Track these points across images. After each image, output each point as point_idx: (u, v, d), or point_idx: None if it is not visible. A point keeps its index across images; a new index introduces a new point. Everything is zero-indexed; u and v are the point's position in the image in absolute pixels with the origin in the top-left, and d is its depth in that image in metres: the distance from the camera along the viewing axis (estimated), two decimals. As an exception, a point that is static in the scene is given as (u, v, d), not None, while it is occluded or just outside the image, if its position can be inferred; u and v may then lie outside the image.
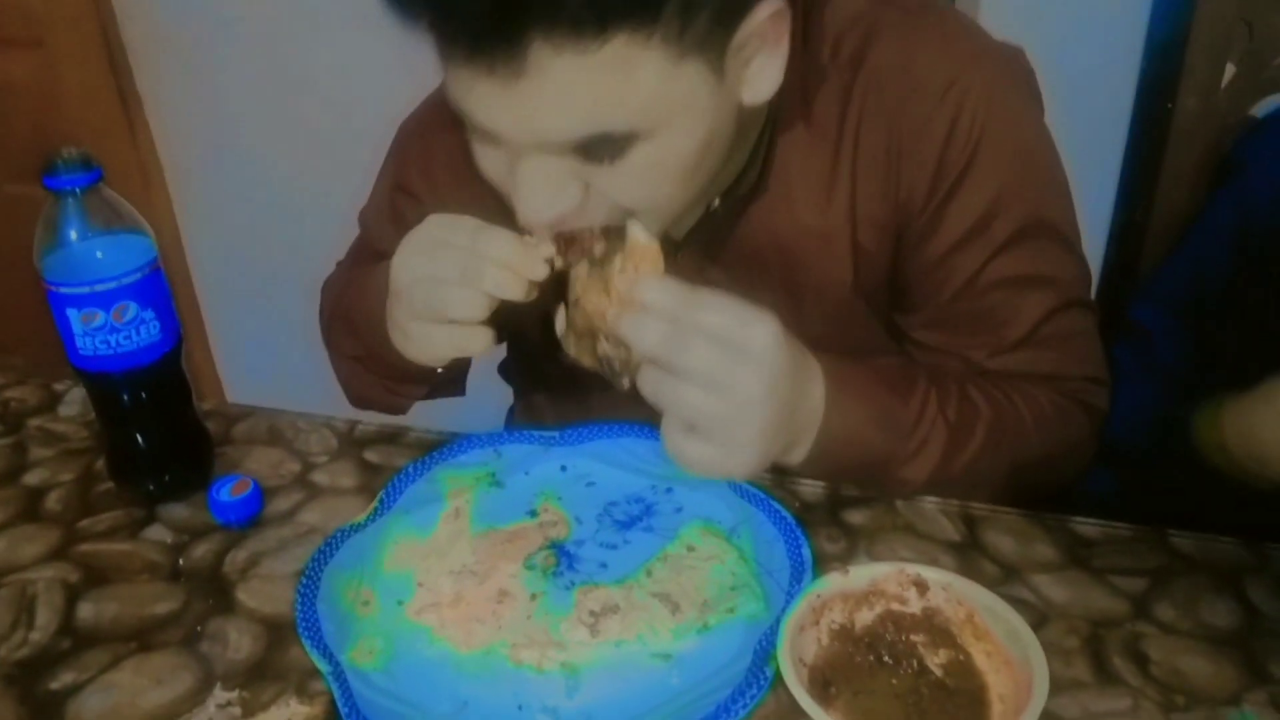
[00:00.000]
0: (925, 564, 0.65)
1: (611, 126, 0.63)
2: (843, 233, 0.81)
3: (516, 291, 0.68)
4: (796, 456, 0.72)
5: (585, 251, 0.67)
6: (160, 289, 0.76)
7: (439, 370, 0.83)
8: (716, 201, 0.82)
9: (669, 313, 0.63)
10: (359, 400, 0.96)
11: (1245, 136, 1.14)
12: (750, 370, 0.62)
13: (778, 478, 0.80)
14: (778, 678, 0.59)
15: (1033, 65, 0.83)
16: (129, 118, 1.82)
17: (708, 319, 0.62)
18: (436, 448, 0.83)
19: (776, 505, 0.75)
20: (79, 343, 0.74)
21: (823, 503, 0.79)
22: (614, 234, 0.67)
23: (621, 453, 0.81)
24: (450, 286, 0.69)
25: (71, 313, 0.73)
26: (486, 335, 0.71)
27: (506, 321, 0.72)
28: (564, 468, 0.80)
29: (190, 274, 1.98)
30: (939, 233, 0.79)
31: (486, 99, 0.62)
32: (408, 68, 0.99)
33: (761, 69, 0.69)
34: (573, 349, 0.68)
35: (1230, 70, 1.18)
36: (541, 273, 0.68)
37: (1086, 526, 0.76)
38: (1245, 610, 0.68)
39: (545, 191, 0.66)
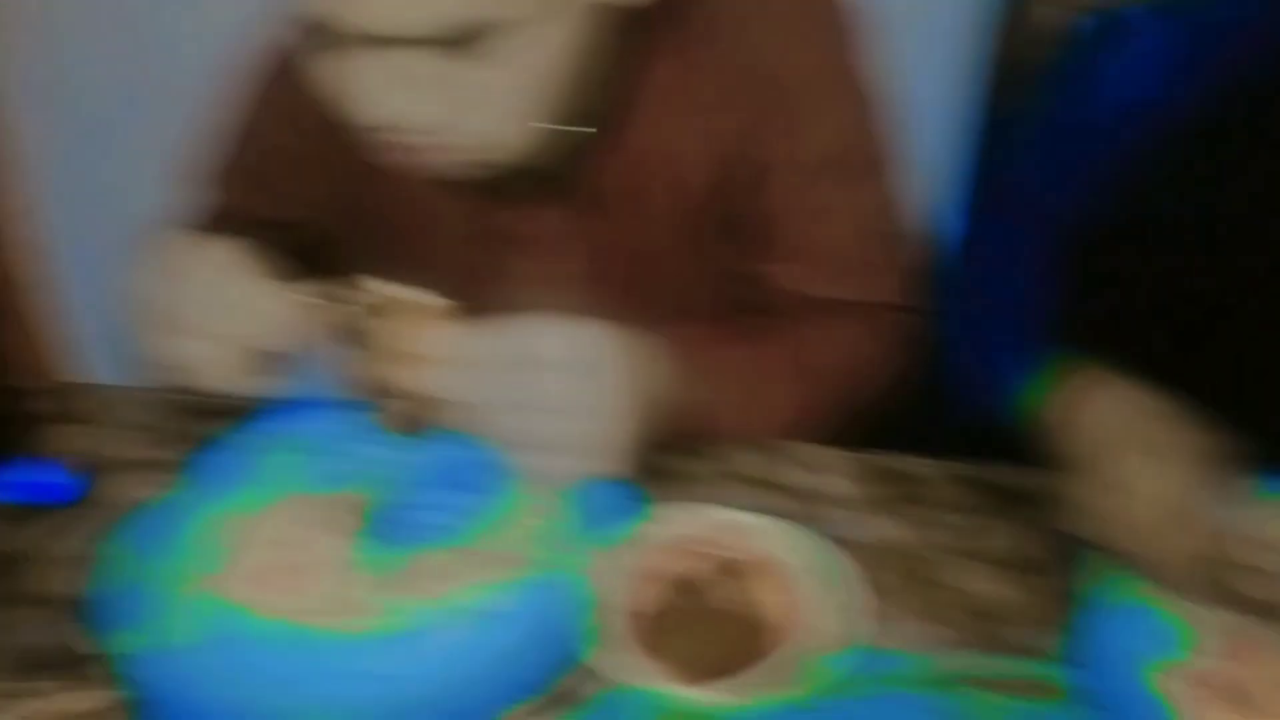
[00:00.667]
0: (743, 508, 0.65)
1: (478, 10, 0.62)
2: (699, 162, 0.82)
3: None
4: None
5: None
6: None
7: None
8: (574, 126, 0.80)
9: (490, 359, 0.62)
10: None
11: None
12: (593, 382, 0.62)
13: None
14: (601, 630, 0.59)
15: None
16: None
17: (536, 349, 0.62)
18: (253, 415, 0.79)
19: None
20: None
21: (643, 451, 0.78)
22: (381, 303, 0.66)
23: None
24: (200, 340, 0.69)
25: None
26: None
27: None
28: (390, 429, 0.78)
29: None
30: (767, 160, 0.81)
31: None
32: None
33: None
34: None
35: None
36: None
37: (905, 462, 0.78)
38: (1059, 540, 0.70)
39: (407, 91, 0.65)
